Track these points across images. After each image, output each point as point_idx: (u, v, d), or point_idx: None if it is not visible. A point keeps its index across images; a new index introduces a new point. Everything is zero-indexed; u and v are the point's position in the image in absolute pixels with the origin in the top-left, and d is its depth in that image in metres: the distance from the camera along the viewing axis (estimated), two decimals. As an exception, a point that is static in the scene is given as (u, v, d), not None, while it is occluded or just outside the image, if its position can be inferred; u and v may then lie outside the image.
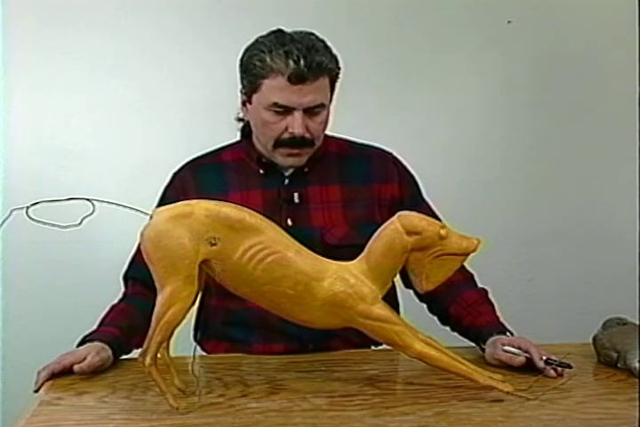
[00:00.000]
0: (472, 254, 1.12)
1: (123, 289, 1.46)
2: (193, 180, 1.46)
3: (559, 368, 1.21)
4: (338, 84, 1.40)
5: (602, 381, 1.23)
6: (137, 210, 1.02)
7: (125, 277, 1.47)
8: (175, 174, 1.49)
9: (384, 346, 1.18)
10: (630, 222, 1.92)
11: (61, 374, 1.22)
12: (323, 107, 1.36)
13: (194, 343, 1.48)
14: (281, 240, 1.08)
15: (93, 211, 0.99)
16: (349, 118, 1.68)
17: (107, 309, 1.39)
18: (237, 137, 1.51)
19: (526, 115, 2.31)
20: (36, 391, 1.18)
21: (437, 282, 1.13)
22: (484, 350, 1.32)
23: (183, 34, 2.18)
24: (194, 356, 1.20)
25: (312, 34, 1.35)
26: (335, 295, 1.08)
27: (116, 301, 1.43)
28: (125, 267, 1.47)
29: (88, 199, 0.99)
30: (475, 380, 1.12)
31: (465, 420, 1.04)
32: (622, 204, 2.14)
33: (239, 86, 1.40)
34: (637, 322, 1.33)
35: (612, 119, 2.30)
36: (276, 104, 1.33)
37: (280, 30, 1.35)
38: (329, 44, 1.36)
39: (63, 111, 2.16)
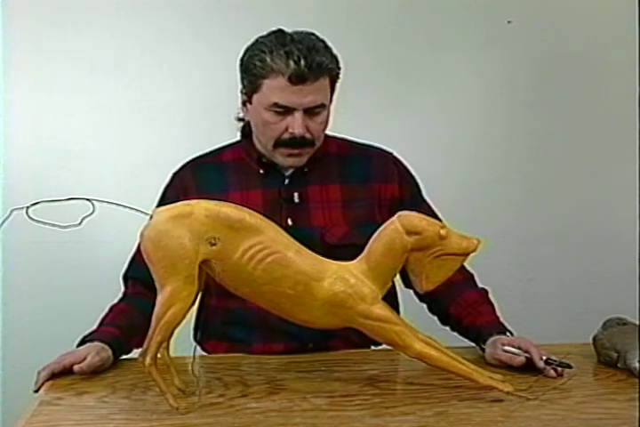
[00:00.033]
0: (472, 254, 1.12)
1: (122, 289, 1.47)
2: (193, 179, 1.46)
3: (559, 368, 1.21)
4: (338, 85, 1.40)
5: (602, 381, 1.23)
6: (137, 210, 1.02)
7: (125, 277, 1.47)
8: (175, 174, 1.49)
9: (384, 346, 1.18)
10: (630, 222, 1.92)
11: (61, 374, 1.22)
12: (323, 107, 1.36)
13: (194, 343, 1.48)
14: (281, 240, 1.08)
15: (93, 211, 0.99)
16: (349, 118, 1.68)
17: (106, 309, 1.39)
18: (237, 137, 1.51)
19: (526, 115, 2.31)
20: (36, 391, 1.18)
21: (437, 282, 1.13)
22: (483, 350, 1.32)
23: (183, 34, 2.18)
24: (194, 356, 1.20)
25: (312, 34, 1.35)
26: (335, 295, 1.08)
27: (115, 300, 1.43)
28: (125, 267, 1.47)
29: (88, 199, 0.99)
30: (475, 380, 1.12)
31: (465, 420, 1.04)
32: (622, 204, 2.14)
33: (239, 86, 1.40)
34: (637, 322, 1.33)
35: (612, 119, 2.30)
36: (276, 104, 1.33)
37: (280, 30, 1.35)
38: (329, 44, 1.36)
39: (63, 111, 2.16)
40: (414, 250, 1.09)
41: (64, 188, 2.09)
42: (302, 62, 1.29)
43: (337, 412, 1.07)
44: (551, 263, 2.34)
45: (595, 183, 2.34)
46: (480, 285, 1.47)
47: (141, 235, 1.03)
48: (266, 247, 1.06)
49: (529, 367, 1.23)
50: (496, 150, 2.31)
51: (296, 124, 1.33)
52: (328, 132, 1.44)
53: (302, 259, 1.08)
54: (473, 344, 1.36)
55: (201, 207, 1.04)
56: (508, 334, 1.32)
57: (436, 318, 1.47)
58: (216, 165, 1.48)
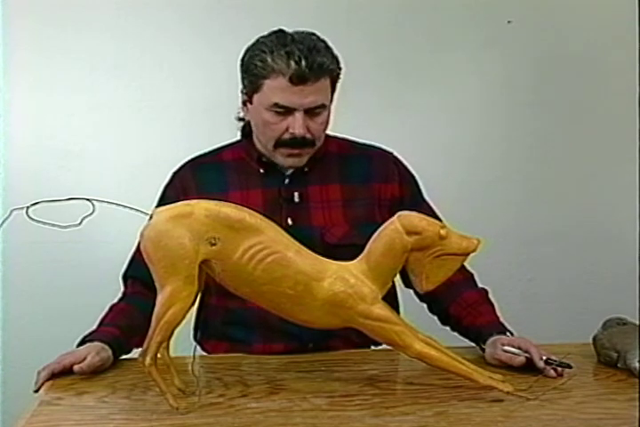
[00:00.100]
0: (472, 254, 1.12)
1: (122, 288, 1.46)
2: (193, 179, 1.46)
3: (559, 368, 1.21)
4: (338, 85, 1.40)
5: (602, 381, 1.23)
6: (137, 210, 1.02)
7: (125, 277, 1.47)
8: (175, 173, 1.49)
9: (384, 346, 1.18)
10: (630, 222, 1.92)
11: (61, 374, 1.22)
12: (324, 107, 1.36)
13: (194, 343, 1.48)
14: (281, 240, 1.08)
15: (93, 211, 0.99)
16: (350, 118, 1.68)
17: (106, 308, 1.39)
18: (237, 137, 1.51)
19: (526, 115, 2.31)
20: (36, 391, 1.18)
21: (437, 282, 1.13)
22: (483, 350, 1.32)
23: (183, 34, 2.18)
24: (194, 356, 1.20)
25: (313, 34, 1.35)
26: (335, 295, 1.08)
27: (115, 300, 1.43)
28: (125, 266, 1.47)
29: (88, 199, 0.99)
30: (475, 380, 1.12)
31: (465, 420, 1.04)
32: (622, 204, 2.14)
33: (239, 86, 1.40)
34: (637, 322, 1.33)
35: (612, 119, 2.30)
36: (276, 104, 1.33)
37: (281, 30, 1.35)
38: (330, 44, 1.36)
39: (63, 111, 2.16)
40: (414, 250, 1.09)
41: (64, 188, 2.09)
42: (303, 63, 1.29)
43: (337, 412, 1.07)
44: (551, 263, 2.34)
45: (595, 183, 2.34)
46: (480, 285, 1.47)
47: (141, 235, 1.03)
48: (266, 247, 1.06)
49: (529, 367, 1.23)
50: (496, 150, 2.31)
51: (297, 125, 1.33)
52: (328, 131, 1.44)
53: (302, 259, 1.08)
54: (473, 344, 1.36)
55: (201, 207, 1.04)
56: (508, 334, 1.32)
57: (436, 318, 1.47)
58: (216, 165, 1.48)
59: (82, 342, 1.29)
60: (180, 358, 1.23)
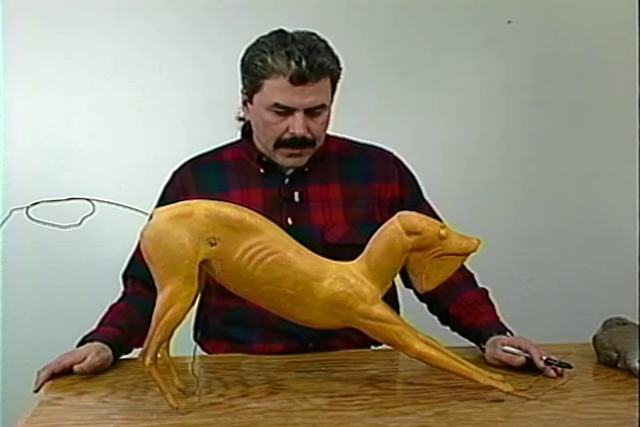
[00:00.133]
0: (472, 254, 1.12)
1: (122, 288, 1.46)
2: (193, 178, 1.46)
3: (559, 368, 1.21)
4: (339, 85, 1.40)
5: (602, 381, 1.23)
6: (137, 210, 1.02)
7: (125, 276, 1.47)
8: (175, 173, 1.49)
9: (384, 346, 1.18)
10: (630, 222, 1.92)
11: (61, 374, 1.22)
12: (324, 107, 1.36)
13: (194, 343, 1.48)
14: (281, 240, 1.08)
15: (93, 211, 0.99)
16: (350, 118, 1.68)
17: (106, 308, 1.39)
18: (238, 137, 1.51)
19: (526, 115, 2.31)
20: (36, 391, 1.18)
21: (437, 282, 1.13)
22: (483, 350, 1.32)
23: (183, 34, 2.18)
24: (194, 356, 1.20)
25: (314, 34, 1.35)
26: (335, 295, 1.08)
27: (115, 300, 1.43)
28: (125, 266, 1.47)
29: (88, 199, 0.99)
30: (475, 380, 1.12)
31: (465, 420, 1.04)
32: (622, 204, 2.14)
33: (240, 86, 1.40)
34: (637, 322, 1.33)
35: (612, 119, 2.29)
36: (277, 104, 1.33)
37: (282, 30, 1.35)
38: (330, 44, 1.36)
39: (63, 111, 2.16)
40: (414, 250, 1.09)
41: (64, 188, 2.09)
42: (303, 63, 1.29)
43: (337, 412, 1.07)
44: (551, 263, 2.34)
45: (595, 183, 2.34)
46: (480, 285, 1.47)
47: (141, 235, 1.03)
48: (266, 247, 1.06)
49: (529, 367, 1.23)
50: (496, 150, 2.31)
51: (297, 125, 1.33)
52: (329, 131, 1.44)
53: (302, 259, 1.08)
54: (473, 344, 1.36)
55: (201, 207, 1.04)
56: (508, 334, 1.32)
57: (436, 318, 1.47)
58: (216, 165, 1.48)
59: (82, 342, 1.29)
60: (180, 358, 1.23)
